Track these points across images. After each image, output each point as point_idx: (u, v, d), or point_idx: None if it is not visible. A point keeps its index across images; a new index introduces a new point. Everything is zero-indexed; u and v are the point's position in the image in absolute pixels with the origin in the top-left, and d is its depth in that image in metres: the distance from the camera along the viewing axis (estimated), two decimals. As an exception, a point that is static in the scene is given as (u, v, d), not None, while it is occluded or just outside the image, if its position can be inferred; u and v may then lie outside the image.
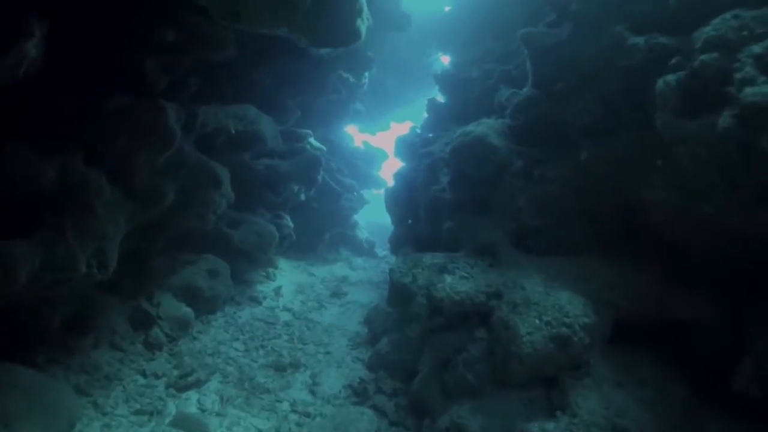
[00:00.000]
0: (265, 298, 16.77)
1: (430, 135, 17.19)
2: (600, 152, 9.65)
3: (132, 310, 12.87)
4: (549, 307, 8.12)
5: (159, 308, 12.86)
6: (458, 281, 8.98)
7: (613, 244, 9.74)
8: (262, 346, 13.74)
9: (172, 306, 13.06)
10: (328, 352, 13.97)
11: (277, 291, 17.36)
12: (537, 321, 7.98)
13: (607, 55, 9.46)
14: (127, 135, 10.81)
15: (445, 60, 26.93)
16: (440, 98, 22.11)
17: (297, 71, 17.22)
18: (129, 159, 10.97)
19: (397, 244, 18.10)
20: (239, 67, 16.04)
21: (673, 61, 8.32)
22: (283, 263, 20.58)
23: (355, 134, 32.19)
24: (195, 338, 13.34)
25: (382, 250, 28.50)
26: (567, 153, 10.10)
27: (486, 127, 10.60)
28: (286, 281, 18.90)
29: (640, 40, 9.06)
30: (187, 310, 13.20)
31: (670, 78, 7.87)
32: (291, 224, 17.37)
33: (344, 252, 25.04)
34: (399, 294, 9.48)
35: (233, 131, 13.69)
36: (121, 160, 10.86)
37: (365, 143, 27.27)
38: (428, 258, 9.72)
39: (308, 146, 16.62)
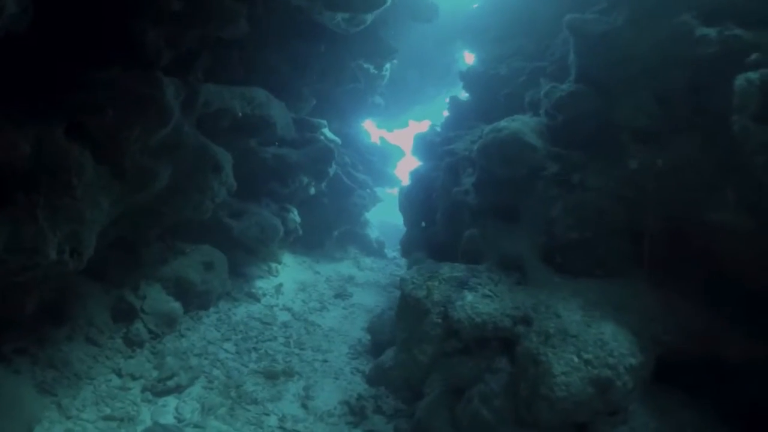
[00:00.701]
0: (264, 295, 15.41)
1: (452, 134, 15.73)
2: (654, 161, 8.16)
3: (115, 300, 11.57)
4: (590, 342, 6.67)
5: (144, 301, 11.54)
6: (480, 300, 7.55)
7: (659, 268, 8.26)
8: (255, 349, 12.38)
9: (159, 299, 11.73)
10: (326, 361, 12.59)
11: (278, 288, 15.98)
12: (575, 359, 6.54)
13: (669, 47, 7.98)
14: (117, 108, 9.48)
15: (470, 58, 25.49)
16: (463, 96, 20.71)
17: (314, 57, 15.84)
18: (118, 135, 9.63)
19: (408, 248, 16.68)
20: (253, 47, 14.70)
21: (753, 57, 6.88)
22: (287, 258, 19.21)
23: (371, 130, 30.80)
24: (182, 336, 12.00)
25: (393, 251, 27.08)
26: (613, 159, 8.64)
27: (521, 124, 9.14)
28: (289, 278, 17.53)
29: (711, 31, 7.58)
30: (175, 305, 11.87)
31: (753, 76, 6.41)
32: (298, 218, 16.00)
33: (353, 250, 23.63)
34: (410, 309, 8.07)
35: (240, 114, 12.33)
36: (109, 136, 9.53)
37: (382, 139, 25.88)
38: (446, 269, 8.30)
39: (322, 137, 15.24)
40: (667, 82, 8.10)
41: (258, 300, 14.92)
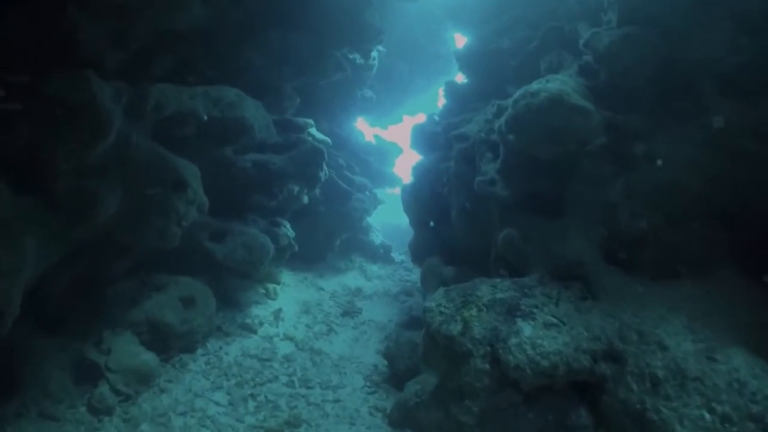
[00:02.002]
0: (261, 324, 13.01)
1: (456, 119, 13.37)
2: (746, 117, 5.81)
3: (76, 358, 9.22)
4: (722, 385, 4.29)
5: (109, 356, 9.16)
6: (543, 333, 5.18)
7: (756, 258, 5.93)
8: (253, 396, 10.01)
9: (126, 352, 9.35)
10: (338, 400, 10.22)
11: (277, 314, 13.60)
12: (706, 415, 4.15)
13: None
14: (36, 122, 7.18)
15: (461, 43, 23.14)
16: (460, 81, 18.35)
17: (292, 48, 13.46)
18: (40, 156, 7.31)
19: (419, 252, 14.30)
20: (220, 42, 12.33)
21: None
22: (286, 276, 16.84)
23: (365, 129, 28.41)
24: (162, 391, 9.61)
25: (399, 254, 24.71)
26: (688, 119, 6.26)
27: (561, 83, 6.74)
28: (290, 299, 15.15)
29: None
30: (146, 358, 9.49)
31: None
32: (291, 232, 13.61)
33: (357, 259, 21.24)
34: (441, 350, 5.71)
35: (205, 117, 9.97)
36: (29, 157, 7.22)
37: (377, 137, 23.46)
38: (486, 290, 5.92)
39: (309, 138, 12.90)
40: (758, 8, 5.72)
41: (254, 331, 12.54)
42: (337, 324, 14.25)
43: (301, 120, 13.79)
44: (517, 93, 6.94)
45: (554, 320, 5.26)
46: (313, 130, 14.22)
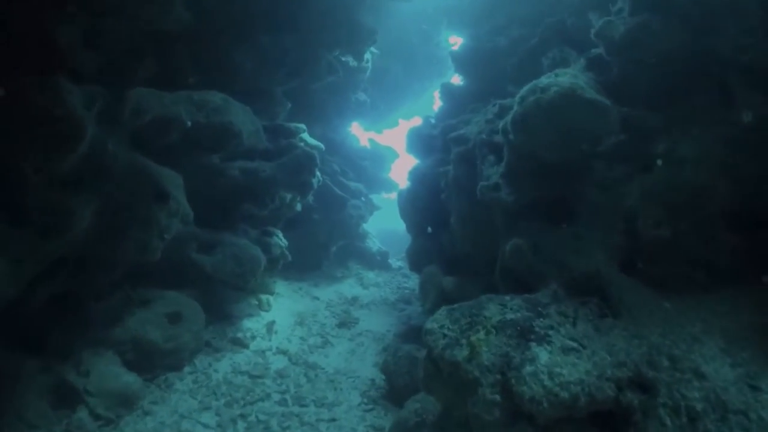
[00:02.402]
0: (253, 338, 12.33)
1: (453, 121, 12.75)
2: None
3: (55, 381, 8.54)
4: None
5: (88, 379, 8.48)
6: (561, 358, 4.51)
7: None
8: (243, 416, 9.33)
9: (107, 374, 8.67)
10: (333, 419, 9.55)
11: (270, 326, 12.93)
12: (756, 458, 3.51)
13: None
14: (-1, 129, 6.56)
15: (456, 44, 22.56)
16: (456, 82, 17.77)
17: (282, 50, 12.83)
18: (6, 167, 6.68)
19: (417, 260, 13.67)
20: (208, 45, 11.71)
21: None
22: (280, 286, 16.17)
23: (360, 134, 27.81)
24: (146, 414, 8.92)
25: (397, 261, 24.08)
26: (712, 115, 5.63)
27: (572, 77, 6.10)
28: (284, 311, 14.48)
29: None
30: (129, 379, 8.81)
31: None
32: (283, 242, 12.95)
33: (354, 266, 20.59)
34: (445, 378, 5.05)
35: (189, 123, 9.31)
36: (-9, 167, 6.58)
37: (372, 141, 22.85)
38: (494, 309, 5.23)
39: (300, 143, 12.26)
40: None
41: (245, 346, 11.86)
42: (332, 336, 13.59)
43: (292, 125, 13.16)
44: (524, 89, 6.29)
45: (573, 344, 4.62)
46: (306, 135, 13.58)
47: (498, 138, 8.18)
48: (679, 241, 5.67)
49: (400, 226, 31.91)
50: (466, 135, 9.30)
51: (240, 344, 11.86)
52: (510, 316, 5.16)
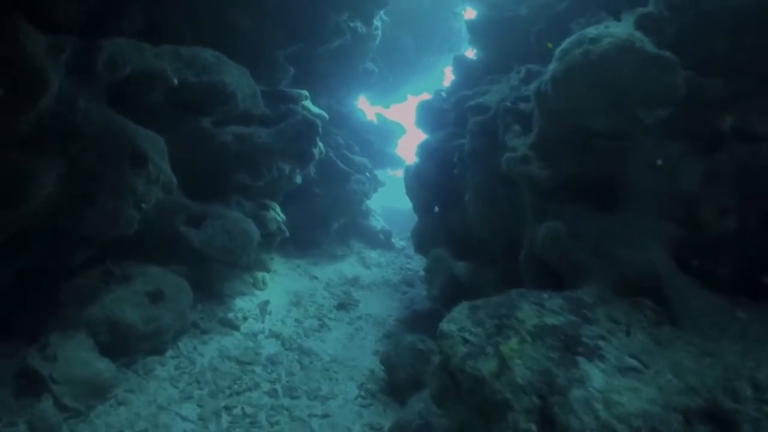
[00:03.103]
0: (245, 318, 11.29)
1: (468, 92, 11.52)
2: None
3: (19, 367, 7.50)
4: None
5: (54, 365, 7.42)
6: (618, 381, 3.39)
7: None
8: (227, 409, 8.31)
9: (75, 360, 7.60)
10: (326, 415, 8.54)
11: (264, 307, 11.88)
12: None
13: None
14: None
15: (470, 16, 21.16)
16: (471, 55, 16.49)
17: (285, 8, 11.57)
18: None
19: (423, 241, 12.56)
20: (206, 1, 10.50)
21: None
22: (278, 263, 15.12)
23: (367, 108, 26.51)
24: (119, 404, 7.88)
25: (400, 240, 22.98)
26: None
27: (627, 29, 4.87)
28: (279, 290, 13.43)
29: None
30: (99, 366, 7.74)
31: None
32: (281, 216, 11.83)
33: (355, 244, 19.50)
34: (465, 395, 3.93)
35: (175, 81, 8.13)
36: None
37: (379, 116, 21.59)
38: (529, 310, 4.07)
39: (300, 110, 11.04)
40: None
41: (236, 328, 10.81)
42: (330, 318, 12.55)
43: (294, 91, 11.94)
44: (567, 42, 5.06)
45: (632, 362, 3.52)
46: (308, 103, 12.38)
47: (524, 105, 7.01)
48: (748, 234, 4.52)
49: (404, 204, 30.72)
50: (485, 103, 8.11)
51: (230, 326, 10.81)
52: (550, 320, 4.04)
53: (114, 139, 7.05)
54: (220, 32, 10.77)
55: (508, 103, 7.16)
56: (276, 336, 10.95)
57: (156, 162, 7.46)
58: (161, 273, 9.63)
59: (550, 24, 10.11)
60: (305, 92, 12.27)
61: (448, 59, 24.09)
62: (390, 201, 29.45)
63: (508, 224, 7.36)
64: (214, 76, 8.89)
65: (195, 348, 9.77)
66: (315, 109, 12.64)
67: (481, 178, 7.77)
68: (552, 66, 5.17)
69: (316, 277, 15.27)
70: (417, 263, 19.70)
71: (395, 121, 21.58)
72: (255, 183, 10.34)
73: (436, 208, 12.85)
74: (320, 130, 10.46)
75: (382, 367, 9.76)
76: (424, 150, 11.92)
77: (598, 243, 4.89)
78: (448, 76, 22.17)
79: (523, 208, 6.36)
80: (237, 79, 9.58)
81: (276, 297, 12.86)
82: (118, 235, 8.30)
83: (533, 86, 5.82)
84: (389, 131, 21.10)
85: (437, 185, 11.48)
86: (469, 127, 8.22)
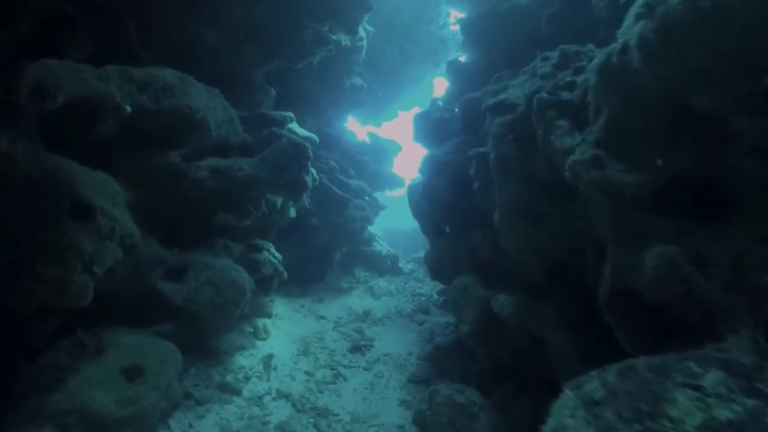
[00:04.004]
0: (247, 379, 9.50)
1: (475, 95, 9.89)
2: None
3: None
4: None
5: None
6: None
7: None
8: (232, 507, 6.52)
9: (25, 474, 5.82)
10: (356, 501, 6.75)
11: (267, 362, 10.08)
12: None
13: None
14: None
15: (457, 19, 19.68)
16: (463, 60, 14.98)
17: (256, 21, 9.96)
18: None
19: (440, 267, 10.82)
20: (159, 16, 8.89)
21: None
22: (279, 305, 13.35)
23: (357, 129, 24.97)
24: None
25: (407, 263, 21.25)
26: None
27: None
28: (284, 338, 11.65)
29: None
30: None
31: None
32: (276, 256, 10.07)
33: (361, 273, 17.75)
34: None
35: (127, 108, 6.45)
36: None
37: (371, 135, 19.98)
38: (682, 400, 2.28)
39: (288, 134, 9.35)
40: None
41: (237, 392, 9.00)
42: (344, 366, 10.75)
43: (277, 113, 10.28)
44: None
45: None
46: (295, 126, 10.73)
47: (569, 95, 5.34)
48: None
49: (406, 225, 29.12)
50: (510, 100, 6.44)
51: (230, 390, 9.01)
52: (721, 413, 2.33)
53: (48, 187, 5.34)
54: (183, 52, 9.14)
55: (545, 94, 5.49)
56: (285, 396, 9.16)
57: (107, 211, 5.74)
58: (139, 341, 7.84)
59: (561, 8, 8.53)
60: (290, 114, 10.61)
61: (435, 70, 22.62)
62: (390, 223, 27.74)
63: (559, 245, 5.66)
64: (178, 100, 7.21)
65: (190, 425, 7.96)
66: (303, 132, 10.97)
67: (515, 191, 6.08)
68: (636, 27, 3.51)
69: (323, 317, 13.49)
70: (429, 287, 17.96)
71: (389, 139, 19.97)
72: (242, 222, 8.61)
73: (447, 229, 11.16)
74: (311, 154, 8.76)
75: (415, 428, 7.97)
76: (432, 165, 10.24)
77: (737, 269, 3.21)
78: (438, 88, 20.66)
79: (593, 223, 4.67)
80: (207, 102, 7.91)
81: (281, 347, 11.08)
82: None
83: (600, 59, 4.16)
84: (384, 150, 19.47)
85: (450, 204, 9.79)
86: (491, 131, 6.54)
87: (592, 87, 4.46)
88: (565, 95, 5.33)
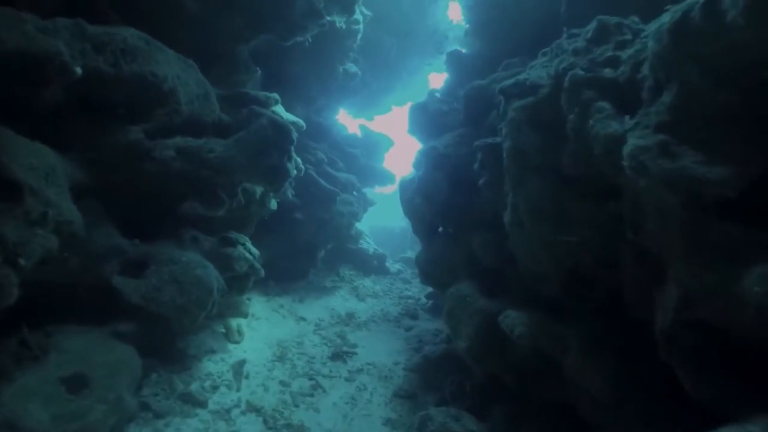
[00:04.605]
0: (214, 388, 8.38)
1: (482, 81, 8.86)
2: None
3: None
4: None
5: None
6: None
7: None
8: None
9: None
10: None
11: (238, 369, 8.96)
12: None
13: None
14: None
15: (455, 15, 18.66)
16: (465, 50, 13.97)
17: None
18: None
19: (433, 272, 9.79)
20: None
21: None
22: (257, 304, 12.24)
23: (348, 123, 23.84)
24: None
25: (394, 263, 20.19)
26: None
27: None
28: (259, 341, 10.54)
29: None
30: None
31: None
32: (252, 252, 8.94)
33: (346, 273, 16.66)
34: None
35: (78, 71, 5.33)
36: None
37: (363, 128, 18.83)
38: None
39: (270, 114, 8.23)
40: None
41: (202, 404, 7.87)
42: (324, 375, 9.67)
43: (261, 93, 9.17)
44: None
45: None
46: (280, 109, 9.62)
47: (610, 72, 4.33)
48: None
49: (394, 223, 28.05)
50: (531, 80, 5.42)
51: (194, 402, 7.89)
52: None
53: (-38, 159, 4.21)
54: (159, 18, 7.99)
55: (581, 71, 4.46)
56: (256, 410, 8.05)
57: (39, 192, 4.61)
58: (88, 345, 6.73)
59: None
60: (275, 95, 9.50)
61: (430, 65, 21.58)
62: (377, 220, 26.65)
63: (586, 255, 4.64)
64: (141, 66, 6.09)
65: (142, 445, 6.86)
66: (289, 116, 9.87)
67: (535, 187, 5.05)
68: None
69: (303, 319, 12.38)
70: (416, 289, 16.94)
71: (381, 133, 18.89)
72: (212, 212, 7.48)
73: (441, 228, 10.14)
74: (295, 137, 7.62)
75: (400, 448, 6.95)
76: (429, 158, 9.20)
77: None
78: (434, 82, 19.58)
79: (621, 231, 3.66)
80: (178, 72, 6.79)
81: (255, 351, 9.98)
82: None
83: (665, 20, 3.15)
84: (375, 144, 18.37)
85: (448, 201, 8.76)
86: (508, 117, 5.50)
87: (654, 56, 3.44)
88: (607, 72, 4.31)
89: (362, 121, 21.27)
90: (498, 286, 7.25)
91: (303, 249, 14.02)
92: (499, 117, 6.09)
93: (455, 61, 13.44)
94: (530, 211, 5.10)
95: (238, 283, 8.80)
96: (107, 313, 7.53)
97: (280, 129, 7.19)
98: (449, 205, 8.81)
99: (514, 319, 5.45)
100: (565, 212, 4.78)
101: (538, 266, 5.45)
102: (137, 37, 6.23)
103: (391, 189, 22.96)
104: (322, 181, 13.82)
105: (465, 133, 8.75)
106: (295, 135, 7.50)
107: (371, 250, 17.90)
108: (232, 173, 6.96)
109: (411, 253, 22.01)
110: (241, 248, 8.45)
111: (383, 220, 27.20)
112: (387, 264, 18.55)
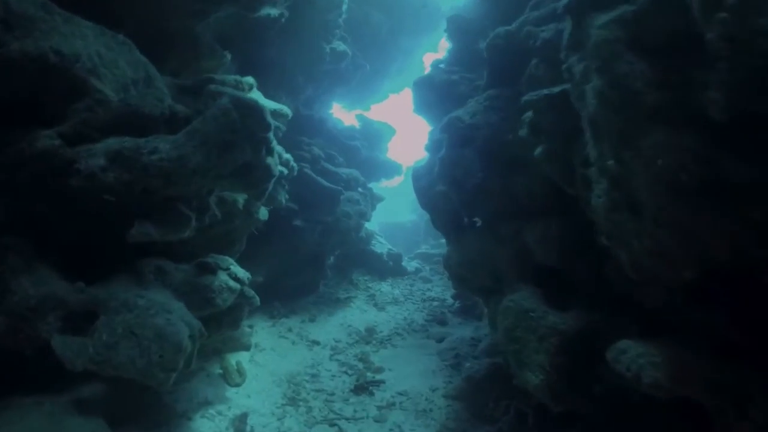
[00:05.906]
0: (209, 456, 6.44)
1: (508, 28, 6.81)
2: None
3: None
4: None
5: None
6: None
7: None
8: None
9: None
10: None
11: (241, 426, 6.99)
12: None
13: None
14: None
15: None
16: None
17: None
18: None
19: (469, 273, 7.73)
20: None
21: None
22: (260, 331, 10.28)
23: (343, 116, 21.79)
24: None
25: (410, 260, 18.12)
26: None
27: None
28: (264, 378, 8.56)
29: None
30: None
31: None
32: (241, 277, 6.92)
33: (360, 279, 14.65)
34: None
35: None
36: None
37: (361, 117, 16.78)
38: None
39: (232, 92, 6.27)
40: None
41: (193, 484, 5.95)
42: (348, 418, 7.66)
43: (229, 77, 7.17)
44: None
45: None
46: (258, 95, 7.60)
47: None
48: None
49: (403, 218, 25.90)
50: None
51: (181, 482, 5.95)
52: None
53: None
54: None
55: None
56: (263, 483, 6.10)
57: None
58: (33, 427, 4.80)
59: None
60: (249, 79, 7.48)
61: (425, 44, 19.51)
62: (384, 216, 24.47)
63: (754, 247, 2.61)
64: (36, 42, 4.09)
65: None
66: (270, 102, 7.84)
67: (662, 143, 3.02)
68: None
69: (316, 342, 10.36)
70: (439, 288, 14.93)
71: (382, 122, 16.82)
72: (172, 235, 5.42)
73: (467, 220, 8.11)
74: (271, 122, 5.43)
75: None
76: (453, 134, 7.11)
77: None
78: (427, 67, 17.39)
79: None
80: (100, 49, 4.77)
81: (260, 395, 8.00)
82: None
83: None
84: (376, 134, 16.32)
85: (481, 185, 6.72)
86: (594, 39, 3.44)
87: None
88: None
89: (358, 112, 19.20)
90: (566, 292, 5.23)
91: (308, 260, 12.02)
92: (567, 47, 4.04)
93: (457, 26, 11.42)
94: (655, 183, 3.07)
95: (227, 317, 6.79)
96: (65, 375, 5.60)
97: (250, 110, 5.10)
98: (484, 190, 6.77)
99: (635, 357, 3.41)
100: (717, 180, 2.75)
101: (662, 268, 3.42)
102: (29, 1, 4.21)
103: (397, 181, 20.91)
104: (321, 180, 11.78)
105: (494, 96, 6.71)
106: (270, 119, 5.42)
107: (385, 251, 15.88)
108: (189, 179, 4.92)
109: (426, 248, 20.00)
110: (222, 275, 6.42)
111: (390, 215, 25.11)
112: (403, 263, 16.50)
